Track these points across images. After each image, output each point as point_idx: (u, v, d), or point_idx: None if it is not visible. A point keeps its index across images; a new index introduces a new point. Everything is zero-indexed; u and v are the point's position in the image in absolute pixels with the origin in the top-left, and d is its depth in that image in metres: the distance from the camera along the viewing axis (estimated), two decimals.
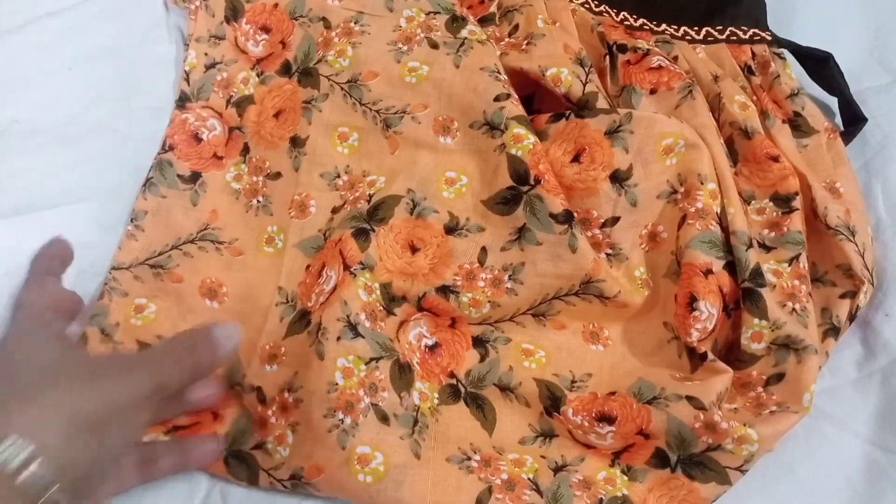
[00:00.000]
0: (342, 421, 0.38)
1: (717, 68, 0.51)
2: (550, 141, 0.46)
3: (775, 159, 0.46)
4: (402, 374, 0.40)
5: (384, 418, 0.39)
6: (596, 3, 0.54)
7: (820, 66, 0.52)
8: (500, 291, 0.43)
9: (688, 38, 0.53)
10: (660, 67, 0.49)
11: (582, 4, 0.53)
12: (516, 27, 0.51)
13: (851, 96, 0.51)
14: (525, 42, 0.49)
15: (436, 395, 0.42)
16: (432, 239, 0.44)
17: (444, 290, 0.44)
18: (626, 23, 0.53)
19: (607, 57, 0.50)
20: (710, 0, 0.53)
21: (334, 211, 0.47)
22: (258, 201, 0.49)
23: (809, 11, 0.58)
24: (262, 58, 0.52)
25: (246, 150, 0.50)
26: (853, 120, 0.51)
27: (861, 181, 0.49)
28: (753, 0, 0.54)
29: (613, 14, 0.54)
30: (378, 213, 0.45)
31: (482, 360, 0.43)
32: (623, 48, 0.50)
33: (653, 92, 0.48)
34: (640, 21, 0.53)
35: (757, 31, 0.52)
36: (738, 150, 0.47)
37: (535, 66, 0.47)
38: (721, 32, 0.52)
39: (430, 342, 0.43)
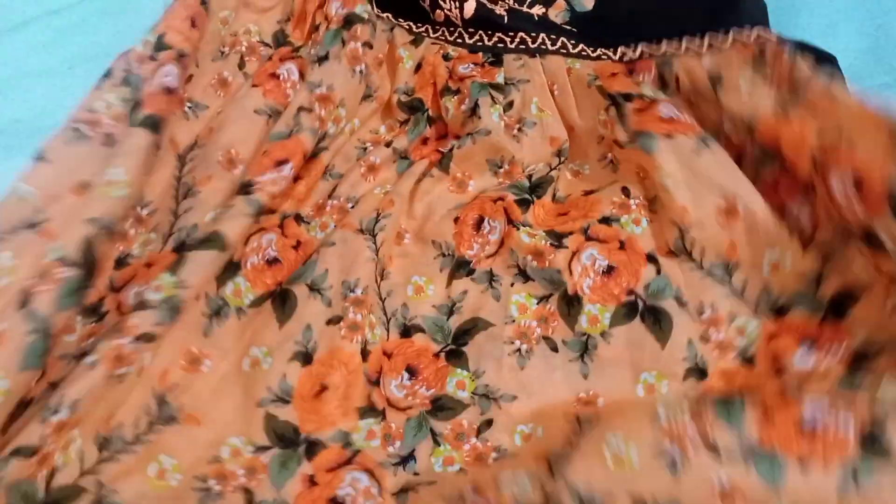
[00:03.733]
0: (519, 349, 0.43)
1: (719, 72, 0.49)
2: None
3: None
4: (571, 306, 0.44)
5: (554, 348, 0.43)
6: (592, 49, 0.53)
7: (824, 65, 0.51)
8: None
9: (691, 52, 0.51)
10: (671, 119, 0.47)
11: (579, 53, 0.53)
12: (511, 104, 0.52)
13: None
14: (517, 126, 0.51)
15: (607, 315, 0.44)
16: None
17: (606, 220, 0.47)
18: (625, 58, 0.53)
19: (611, 108, 0.50)
20: (707, 7, 0.52)
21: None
22: None
23: (810, 11, 0.58)
24: None
25: None
26: None
27: None
28: (754, 2, 0.53)
29: (611, 53, 0.53)
30: (538, 189, 0.50)
31: (658, 273, 0.45)
32: (629, 97, 0.49)
33: (668, 136, 0.46)
34: (639, 50, 0.53)
35: (761, 32, 0.51)
36: None
37: (518, 164, 0.51)
38: (724, 41, 0.51)
39: (604, 264, 0.45)
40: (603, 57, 0.53)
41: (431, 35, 0.56)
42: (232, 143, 0.50)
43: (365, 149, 0.52)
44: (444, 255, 0.47)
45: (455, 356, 0.44)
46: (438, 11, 0.55)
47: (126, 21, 0.55)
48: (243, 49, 0.55)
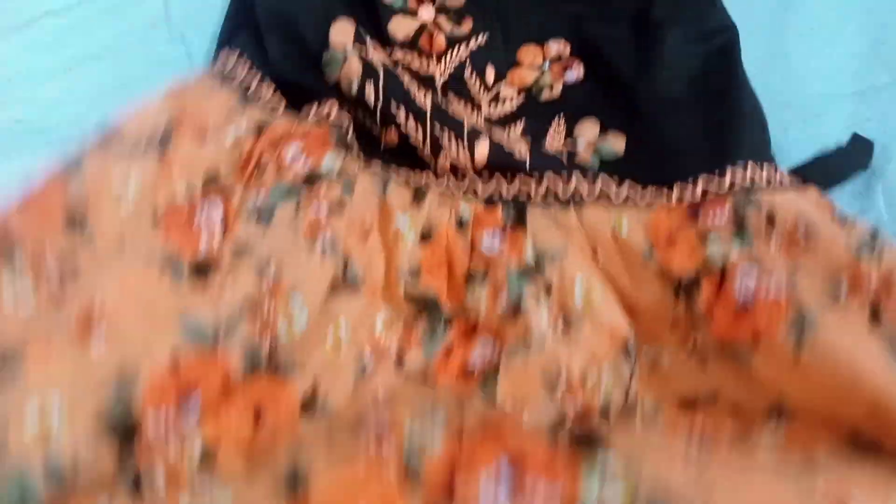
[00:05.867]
0: None
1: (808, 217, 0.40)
2: None
3: None
4: None
5: None
6: (642, 186, 0.44)
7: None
8: None
9: (771, 184, 0.43)
10: (754, 305, 0.37)
11: (625, 200, 0.43)
12: (548, 289, 0.40)
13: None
14: (561, 322, 0.40)
15: None
16: None
17: None
18: (684, 199, 0.43)
19: (680, 302, 0.40)
20: (751, 139, 0.46)
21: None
22: None
23: (810, 10, 0.58)
24: None
25: None
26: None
27: (861, 180, 0.49)
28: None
29: (664, 198, 0.43)
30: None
31: None
32: (697, 281, 0.39)
33: (755, 341, 0.37)
34: (699, 187, 0.43)
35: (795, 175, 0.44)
36: None
37: (576, 380, 0.38)
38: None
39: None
40: (662, 196, 0.43)
41: (435, 186, 0.44)
42: (102, 300, 0.32)
43: (364, 368, 0.38)
44: None
45: None
46: (442, 159, 0.44)
47: (126, 21, 0.55)
48: None
